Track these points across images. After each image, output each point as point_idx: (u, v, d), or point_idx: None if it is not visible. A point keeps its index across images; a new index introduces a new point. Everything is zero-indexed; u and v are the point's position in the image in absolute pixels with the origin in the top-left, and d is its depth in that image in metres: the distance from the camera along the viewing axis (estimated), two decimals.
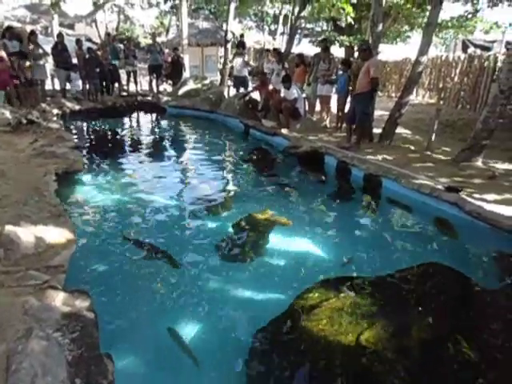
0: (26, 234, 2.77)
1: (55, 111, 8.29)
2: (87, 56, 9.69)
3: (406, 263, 3.28)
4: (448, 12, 17.54)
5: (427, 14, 8.47)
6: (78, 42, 9.96)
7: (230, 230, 3.76)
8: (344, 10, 11.24)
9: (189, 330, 2.43)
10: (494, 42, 16.06)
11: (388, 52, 17.15)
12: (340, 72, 7.55)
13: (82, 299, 2.28)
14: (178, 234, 3.73)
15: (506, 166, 5.51)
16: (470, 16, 13.00)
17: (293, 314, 2.56)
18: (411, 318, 2.62)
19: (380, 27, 6.74)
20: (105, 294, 2.66)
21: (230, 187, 5.23)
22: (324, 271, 3.09)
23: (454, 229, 3.92)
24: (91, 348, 1.87)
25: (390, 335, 2.43)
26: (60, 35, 9.86)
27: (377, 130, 6.97)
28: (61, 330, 1.95)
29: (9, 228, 2.72)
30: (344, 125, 7.45)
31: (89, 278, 2.82)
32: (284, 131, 7.29)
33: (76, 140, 6.55)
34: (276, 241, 3.57)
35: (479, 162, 5.37)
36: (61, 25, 18.49)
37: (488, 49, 14.83)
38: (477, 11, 12.42)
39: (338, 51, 17.70)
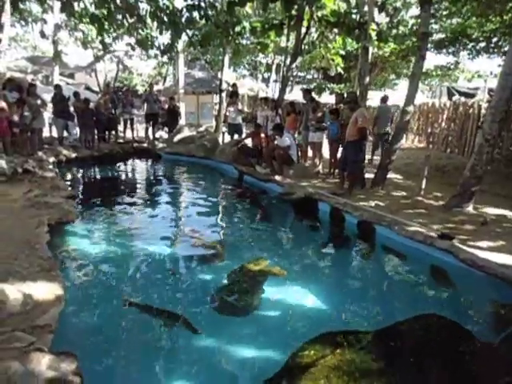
0: (14, 291, 2.71)
1: (51, 159, 8.39)
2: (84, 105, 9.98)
3: (403, 314, 3.23)
4: (433, 61, 18.56)
5: (412, 64, 8.93)
6: (76, 94, 10.34)
7: (224, 281, 3.70)
8: (334, 60, 11.88)
9: None
10: (477, 89, 16.81)
11: (377, 99, 17.86)
12: (328, 122, 7.79)
13: (68, 362, 2.20)
14: (172, 287, 3.65)
15: (497, 211, 5.57)
16: (452, 67, 13.82)
17: (288, 374, 2.47)
18: (410, 376, 2.54)
19: (367, 79, 7.09)
20: (95, 356, 2.56)
21: (225, 235, 5.21)
22: (319, 325, 3.01)
23: (449, 277, 3.90)
24: None
25: None
26: (57, 87, 10.21)
27: (369, 176, 7.09)
28: None
29: None
30: (337, 171, 7.59)
31: (78, 337, 2.72)
32: (277, 178, 7.40)
33: (71, 189, 6.56)
34: (270, 292, 3.51)
35: (470, 208, 5.44)
36: (61, 74, 19.11)
37: (472, 95, 15.47)
38: (458, 63, 13.22)
39: (328, 98, 18.43)
